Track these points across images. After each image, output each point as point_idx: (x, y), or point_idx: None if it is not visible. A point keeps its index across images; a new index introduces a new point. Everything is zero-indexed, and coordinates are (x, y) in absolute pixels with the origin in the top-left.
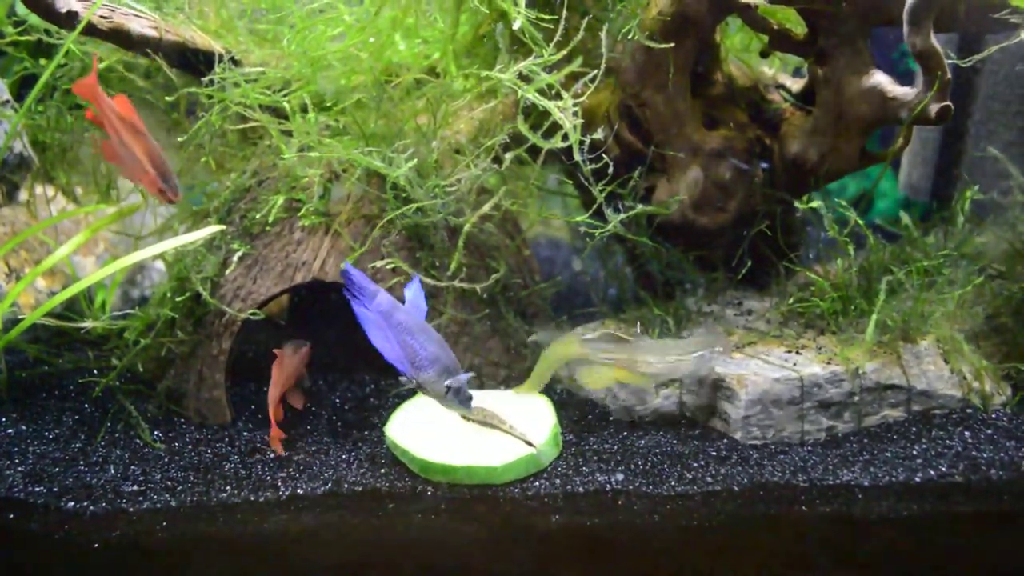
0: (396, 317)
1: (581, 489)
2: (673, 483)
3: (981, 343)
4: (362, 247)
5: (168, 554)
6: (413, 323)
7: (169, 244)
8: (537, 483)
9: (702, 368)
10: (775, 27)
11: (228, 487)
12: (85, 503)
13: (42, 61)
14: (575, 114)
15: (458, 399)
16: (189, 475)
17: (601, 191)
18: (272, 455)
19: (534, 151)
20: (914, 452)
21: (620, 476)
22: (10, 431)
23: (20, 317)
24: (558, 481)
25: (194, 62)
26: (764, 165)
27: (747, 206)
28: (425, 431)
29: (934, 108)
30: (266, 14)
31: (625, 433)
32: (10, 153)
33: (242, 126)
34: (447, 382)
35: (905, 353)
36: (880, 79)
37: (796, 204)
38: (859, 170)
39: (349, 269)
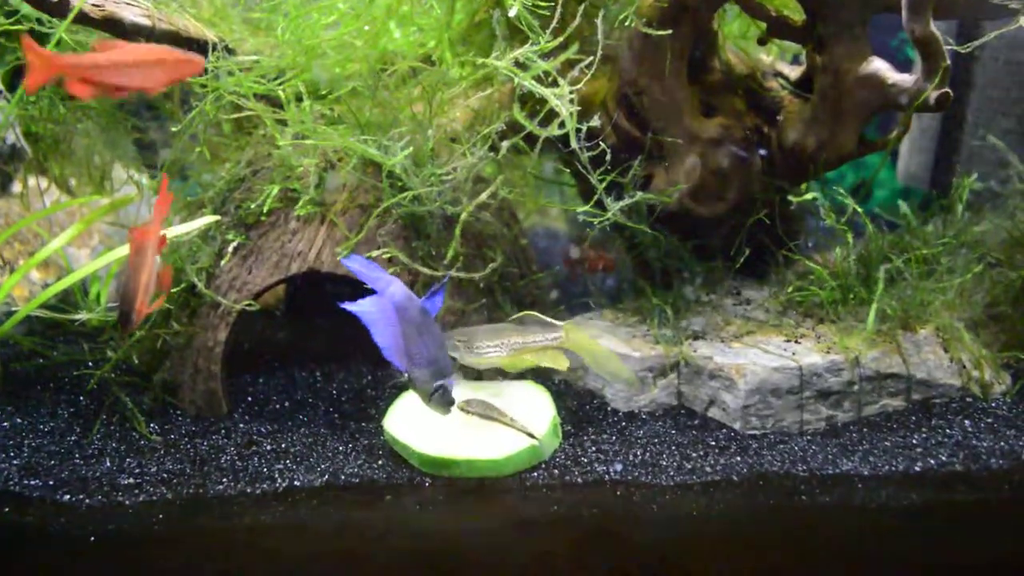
0: (408, 312)
1: (580, 480)
2: (672, 473)
3: (980, 332)
4: (358, 236)
5: (164, 547)
6: (421, 320)
7: None
8: (536, 474)
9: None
10: (773, 14)
11: (224, 479)
12: (81, 496)
13: None
14: (572, 101)
15: (441, 402)
16: (185, 467)
17: (599, 179)
18: (268, 447)
19: (531, 139)
20: (914, 441)
21: (619, 467)
22: (5, 424)
23: (14, 309)
24: (557, 472)
25: (188, 51)
26: (762, 153)
27: (745, 195)
28: (424, 424)
29: (934, 95)
30: (260, 2)
31: (624, 424)
32: (3, 144)
33: (236, 115)
34: (436, 383)
35: (905, 342)
36: (879, 66)
37: (791, 198)
38: (858, 158)
39: (355, 260)
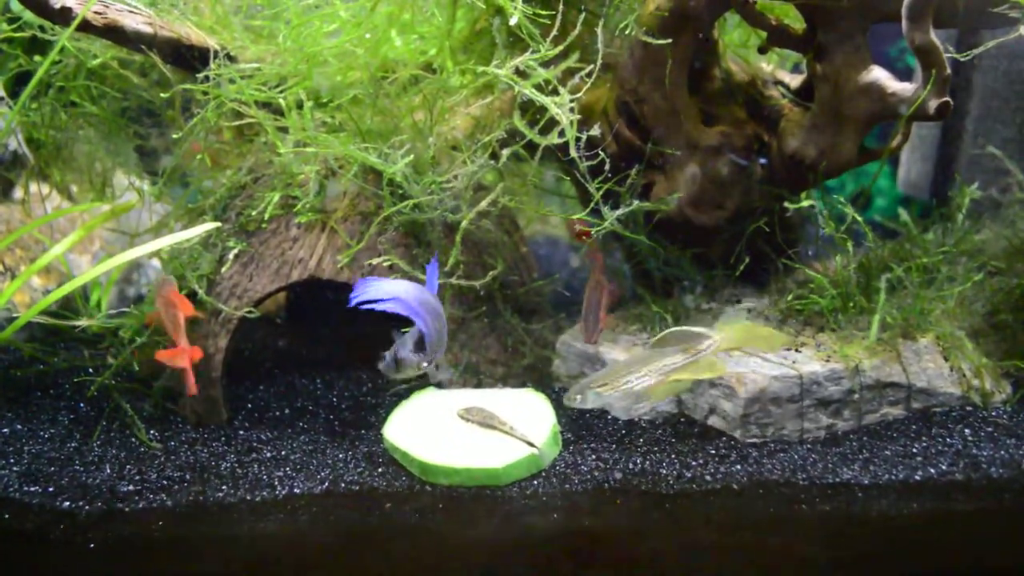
0: (425, 299)
1: (580, 488)
2: (672, 481)
3: (981, 340)
4: (359, 244)
5: (164, 554)
6: (438, 307)
7: (165, 242)
8: (535, 482)
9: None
10: (773, 23)
11: (224, 486)
12: (81, 503)
13: (37, 58)
14: (572, 110)
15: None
16: (185, 474)
17: (598, 188)
18: (269, 454)
19: (532, 147)
20: (914, 450)
21: (619, 475)
22: (5, 430)
23: (15, 315)
24: (556, 480)
25: (189, 58)
26: (762, 161)
27: (745, 203)
28: (423, 432)
29: (933, 104)
30: (261, 10)
31: (624, 432)
32: (5, 150)
33: (238, 123)
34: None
35: (905, 351)
36: (879, 75)
37: (787, 204)
38: (858, 166)
39: (365, 283)
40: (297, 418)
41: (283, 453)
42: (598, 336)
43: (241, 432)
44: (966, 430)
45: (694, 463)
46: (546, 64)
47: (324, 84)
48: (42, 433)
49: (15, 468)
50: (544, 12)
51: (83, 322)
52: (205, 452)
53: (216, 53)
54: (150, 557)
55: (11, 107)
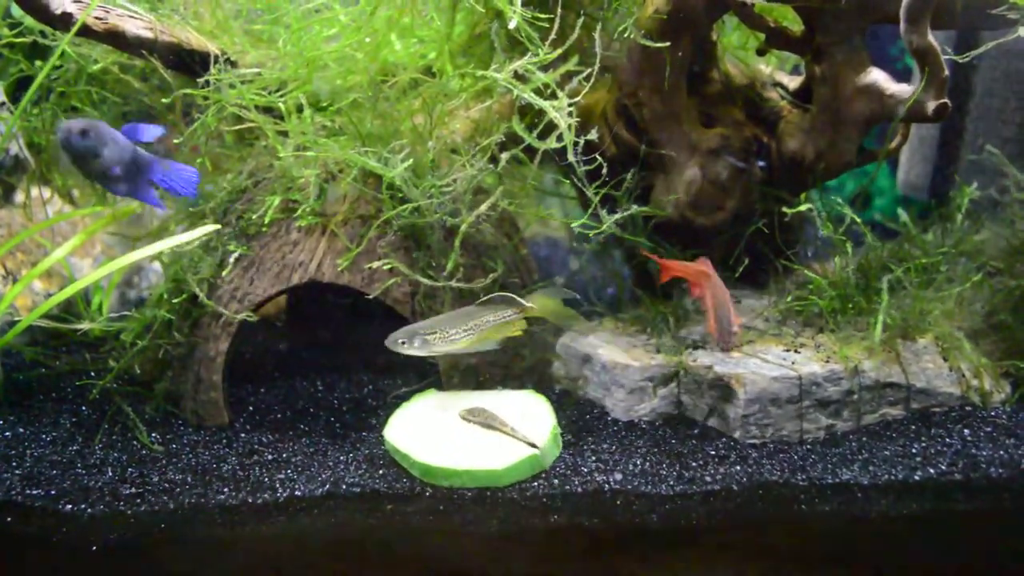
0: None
1: (580, 489)
2: (672, 482)
3: (980, 341)
4: (358, 247)
5: (166, 556)
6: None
7: (165, 245)
8: (535, 483)
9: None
10: (772, 25)
11: (226, 489)
12: (83, 506)
13: (37, 63)
14: (570, 114)
15: None
16: (187, 477)
17: (597, 191)
18: (270, 457)
19: (531, 151)
20: (913, 450)
21: (619, 476)
22: (7, 434)
23: (17, 319)
24: (557, 482)
25: (190, 63)
26: (761, 163)
27: (745, 205)
28: (424, 434)
29: (932, 105)
30: (261, 15)
31: (624, 433)
32: (6, 155)
33: (238, 127)
34: None
35: (904, 351)
36: (877, 76)
37: (785, 209)
38: (857, 167)
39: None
40: (298, 420)
41: (284, 456)
42: (735, 341)
43: (242, 435)
44: (965, 430)
45: (694, 464)
46: (545, 68)
47: (324, 88)
48: (44, 436)
49: (17, 471)
50: (543, 16)
51: (85, 325)
52: (207, 455)
53: (216, 58)
54: (152, 560)
55: (12, 112)
